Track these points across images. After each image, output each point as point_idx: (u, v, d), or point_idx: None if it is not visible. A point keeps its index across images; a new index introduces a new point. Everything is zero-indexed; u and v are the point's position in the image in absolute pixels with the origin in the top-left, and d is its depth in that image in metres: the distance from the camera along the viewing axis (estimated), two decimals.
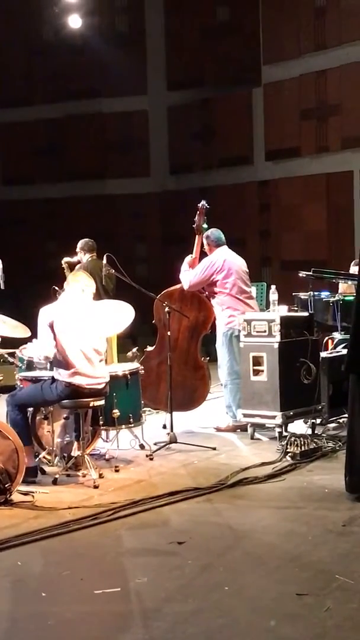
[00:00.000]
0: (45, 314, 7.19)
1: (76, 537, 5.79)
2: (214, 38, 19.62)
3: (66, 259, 9.39)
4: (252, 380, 8.39)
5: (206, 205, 9.23)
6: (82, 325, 7.21)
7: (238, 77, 19.34)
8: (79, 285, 7.40)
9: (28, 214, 20.89)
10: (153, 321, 9.06)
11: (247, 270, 9.22)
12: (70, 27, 17.37)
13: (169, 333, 8.43)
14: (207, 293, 9.09)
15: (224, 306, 8.95)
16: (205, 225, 9.19)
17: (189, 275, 9.03)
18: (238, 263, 9.11)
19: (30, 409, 7.48)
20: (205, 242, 9.16)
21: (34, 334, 7.53)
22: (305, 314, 8.88)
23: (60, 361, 7.13)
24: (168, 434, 8.33)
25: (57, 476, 7.15)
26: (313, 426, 8.48)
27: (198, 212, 9.21)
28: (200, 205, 9.25)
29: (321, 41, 17.82)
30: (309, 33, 18.00)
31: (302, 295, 9.79)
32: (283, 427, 8.28)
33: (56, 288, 8.17)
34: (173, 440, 8.24)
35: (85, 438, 7.32)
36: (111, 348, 8.67)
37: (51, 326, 7.11)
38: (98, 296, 9.10)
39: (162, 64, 20.66)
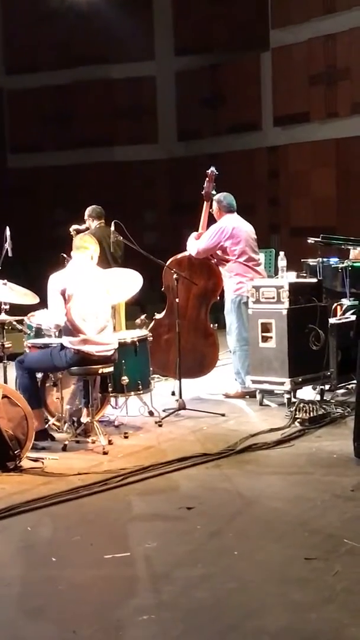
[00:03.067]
0: (56, 281, 7.18)
1: (86, 502, 5.82)
2: (222, 2, 19.44)
3: (74, 227, 9.36)
4: (260, 347, 8.39)
5: (215, 171, 9.18)
6: (92, 293, 7.20)
7: (246, 42, 19.17)
8: (88, 252, 7.39)
9: (36, 182, 20.84)
10: (162, 288, 9.04)
11: (256, 237, 9.18)
12: None
13: (177, 300, 8.42)
14: (215, 260, 9.06)
15: (233, 273, 8.93)
16: (214, 192, 9.13)
17: (197, 243, 9.00)
18: (247, 230, 9.07)
19: (40, 374, 7.52)
20: (215, 205, 9.10)
21: (42, 301, 7.54)
22: (314, 280, 8.85)
23: (69, 329, 7.14)
24: (177, 400, 8.34)
25: (66, 443, 7.18)
26: (322, 392, 8.49)
27: (207, 179, 9.16)
28: (209, 171, 9.19)
29: (330, 5, 17.64)
30: None
31: (311, 261, 9.76)
32: (292, 394, 8.29)
33: (64, 255, 8.16)
34: (182, 406, 8.26)
35: (94, 405, 7.35)
36: (119, 315, 8.68)
37: (63, 293, 7.10)
38: (106, 264, 9.10)
39: (169, 29, 20.49)
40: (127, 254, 9.50)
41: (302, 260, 9.95)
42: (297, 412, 7.69)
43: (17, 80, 21.27)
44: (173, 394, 8.74)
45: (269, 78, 18.93)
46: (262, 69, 19.11)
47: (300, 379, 8.30)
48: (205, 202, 9.17)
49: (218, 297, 9.17)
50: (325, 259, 9.60)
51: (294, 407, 7.79)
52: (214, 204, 9.10)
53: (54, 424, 7.65)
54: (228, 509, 5.59)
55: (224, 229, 8.93)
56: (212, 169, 9.20)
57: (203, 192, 9.16)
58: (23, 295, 7.72)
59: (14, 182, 20.87)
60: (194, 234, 9.13)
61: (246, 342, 8.71)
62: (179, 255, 9.11)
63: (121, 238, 8.40)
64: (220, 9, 19.42)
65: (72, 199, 17.50)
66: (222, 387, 9.27)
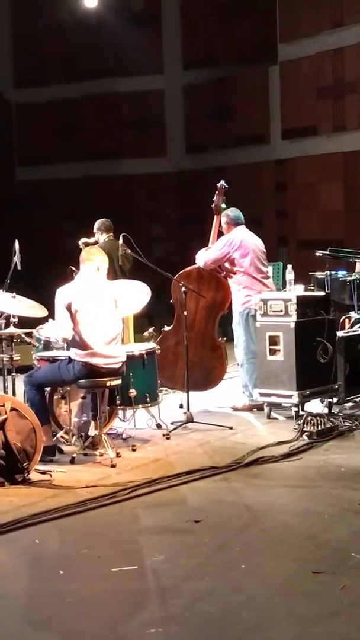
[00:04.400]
0: (62, 295, 7.20)
1: (93, 515, 5.82)
2: (230, 16, 19.53)
3: (83, 240, 9.37)
4: (268, 360, 8.39)
5: (225, 185, 9.21)
6: (99, 305, 7.21)
7: (254, 56, 19.26)
8: (94, 264, 7.39)
9: (44, 194, 20.90)
10: (170, 301, 9.06)
11: (265, 250, 9.20)
12: (86, 7, 17.29)
13: (185, 313, 8.43)
14: (224, 273, 9.08)
15: (241, 285, 8.94)
16: (223, 205, 9.16)
17: (205, 254, 9.02)
18: (255, 242, 9.09)
19: (48, 389, 7.53)
20: (223, 220, 9.13)
21: (51, 314, 7.55)
22: (322, 293, 8.86)
23: (77, 342, 7.15)
24: (185, 413, 8.34)
25: (74, 455, 7.18)
26: (329, 405, 8.47)
27: (217, 192, 9.19)
28: (219, 185, 9.22)
29: (338, 18, 17.72)
30: (326, 10, 17.89)
31: (319, 274, 9.77)
32: (299, 406, 8.28)
33: (73, 268, 8.18)
34: (190, 419, 8.26)
35: (102, 417, 7.35)
36: (128, 328, 8.68)
37: (69, 307, 7.11)
38: (114, 276, 9.11)
39: (177, 43, 20.60)
40: (135, 267, 9.53)
41: (310, 273, 9.96)
42: (305, 425, 7.68)
43: (26, 94, 21.39)
44: (181, 406, 8.74)
45: (277, 91, 19.00)
46: (270, 82, 19.19)
47: (308, 392, 8.30)
48: (215, 216, 9.19)
49: (226, 310, 9.17)
50: (333, 272, 9.61)
51: (302, 420, 7.78)
52: (223, 218, 9.12)
53: (62, 437, 7.65)
54: (235, 522, 5.58)
55: (232, 241, 8.95)
56: (222, 182, 9.23)
57: (213, 206, 9.18)
58: (31, 308, 7.73)
59: (23, 194, 20.94)
60: (203, 249, 9.15)
61: (254, 355, 8.72)
62: (188, 268, 9.13)
63: (129, 251, 8.41)
64: (228, 23, 19.52)
65: (80, 211, 17.57)
66: (230, 400, 9.27)
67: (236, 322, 9.01)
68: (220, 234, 9.19)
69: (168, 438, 7.92)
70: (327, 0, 17.89)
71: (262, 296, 8.56)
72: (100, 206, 14.53)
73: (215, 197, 9.18)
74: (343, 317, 9.35)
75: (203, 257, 9.00)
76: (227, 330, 9.47)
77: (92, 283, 7.32)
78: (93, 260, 7.40)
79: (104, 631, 4.13)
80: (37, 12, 20.66)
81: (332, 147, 17.96)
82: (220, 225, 9.18)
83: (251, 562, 4.88)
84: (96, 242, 9.63)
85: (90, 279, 7.35)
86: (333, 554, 4.94)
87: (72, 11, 19.33)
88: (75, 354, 7.16)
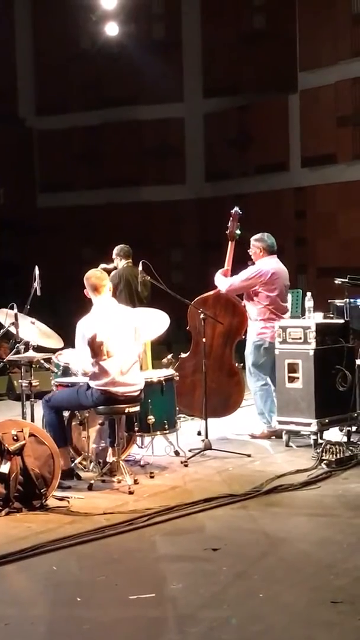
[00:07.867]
0: (85, 328, 7.13)
1: (111, 542, 5.81)
2: (251, 45, 19.64)
3: (102, 265, 9.41)
4: (287, 387, 8.38)
5: (239, 211, 9.21)
6: (121, 336, 7.20)
7: (274, 84, 19.33)
8: (107, 289, 7.36)
9: (65, 221, 20.99)
10: (187, 327, 9.05)
11: (288, 284, 9.19)
12: (108, 35, 17.42)
13: (204, 340, 8.43)
14: (243, 303, 9.05)
15: (259, 317, 8.91)
16: (238, 232, 9.15)
17: (231, 279, 8.98)
18: (283, 276, 9.03)
19: (66, 412, 7.53)
20: (257, 245, 9.05)
21: (68, 341, 7.55)
22: (341, 321, 8.84)
23: (97, 372, 7.12)
24: (203, 440, 8.33)
25: (92, 482, 7.17)
26: (349, 434, 8.44)
27: (231, 219, 9.19)
28: (233, 211, 9.22)
29: (358, 47, 17.77)
30: (346, 40, 17.96)
31: (338, 302, 9.73)
32: (318, 435, 8.25)
33: None
34: (208, 446, 8.24)
35: (120, 444, 7.35)
36: (146, 355, 8.69)
37: (93, 340, 7.06)
38: (132, 303, 9.14)
39: (198, 71, 20.69)
40: (154, 293, 9.54)
41: (329, 301, 9.94)
42: (324, 454, 7.64)
43: (48, 121, 21.53)
44: (199, 433, 8.72)
45: (296, 120, 19.06)
46: (290, 110, 19.24)
47: (327, 420, 8.27)
48: (230, 242, 9.19)
49: (243, 336, 9.14)
50: (352, 300, 9.57)
51: (321, 449, 7.75)
52: (256, 243, 9.03)
53: (80, 463, 7.65)
54: (254, 551, 5.56)
55: (262, 273, 8.89)
56: (236, 209, 9.23)
57: (227, 232, 9.18)
58: (47, 338, 7.71)
59: (43, 221, 21.06)
60: (220, 271, 9.14)
61: (265, 382, 8.75)
62: (204, 294, 9.12)
63: (148, 277, 8.41)
64: (248, 52, 19.62)
65: (100, 238, 17.62)
66: (248, 428, 9.25)
67: (249, 351, 9.00)
68: (240, 259, 9.16)
69: (186, 465, 7.91)
70: (346, 29, 17.96)
71: (281, 323, 8.55)
72: (121, 233, 14.52)
73: (229, 224, 9.18)
74: None
75: (227, 282, 8.97)
76: (245, 356, 9.45)
77: (112, 312, 7.30)
78: (105, 285, 7.37)
79: None
80: (58, 40, 20.86)
81: (351, 175, 17.97)
82: (234, 250, 9.14)
83: (269, 591, 4.85)
84: (115, 268, 9.67)
85: (109, 308, 7.32)
86: (352, 584, 4.91)
87: (93, 39, 19.47)
88: (94, 384, 7.14)
